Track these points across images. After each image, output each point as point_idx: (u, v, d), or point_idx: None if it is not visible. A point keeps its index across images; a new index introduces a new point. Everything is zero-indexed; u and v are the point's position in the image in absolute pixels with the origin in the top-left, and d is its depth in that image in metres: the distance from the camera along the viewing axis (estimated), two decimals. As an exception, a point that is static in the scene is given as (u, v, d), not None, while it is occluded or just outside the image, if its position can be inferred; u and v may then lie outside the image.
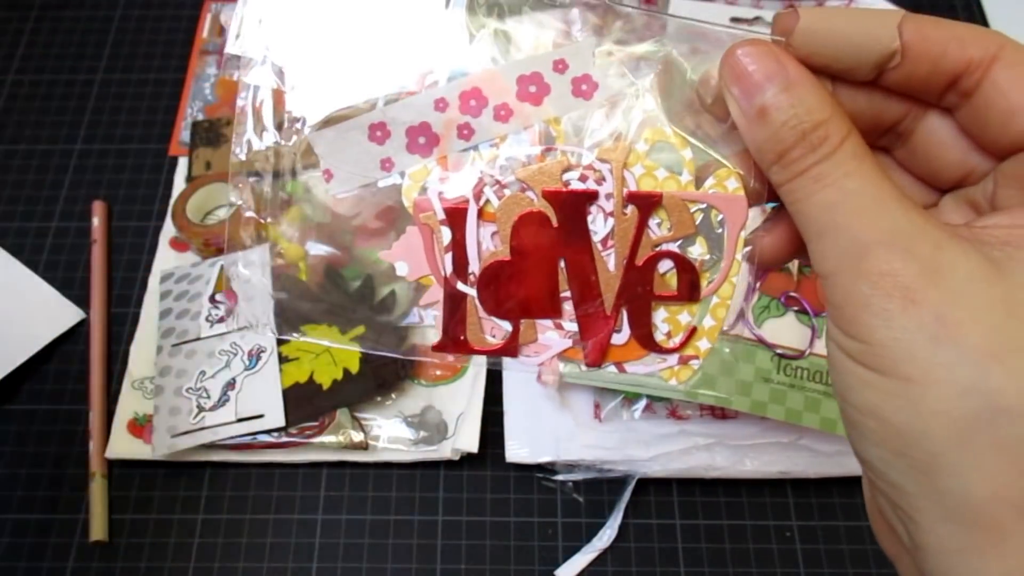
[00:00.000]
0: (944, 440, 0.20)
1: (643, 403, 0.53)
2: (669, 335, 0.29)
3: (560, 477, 0.52)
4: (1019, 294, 0.21)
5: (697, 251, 0.28)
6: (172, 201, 0.60)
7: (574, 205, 0.28)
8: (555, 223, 0.28)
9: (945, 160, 0.26)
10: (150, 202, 0.63)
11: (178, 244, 0.60)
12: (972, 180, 0.26)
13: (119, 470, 0.53)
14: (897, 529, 0.23)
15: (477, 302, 0.29)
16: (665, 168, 0.28)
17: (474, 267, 0.28)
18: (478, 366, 0.54)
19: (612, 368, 0.29)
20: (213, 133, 0.64)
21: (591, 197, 0.28)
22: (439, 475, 0.53)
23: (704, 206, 0.28)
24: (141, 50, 0.70)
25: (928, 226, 0.22)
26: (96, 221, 0.61)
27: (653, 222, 0.28)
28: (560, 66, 0.27)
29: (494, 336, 0.29)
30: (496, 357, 0.29)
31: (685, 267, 0.28)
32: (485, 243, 0.28)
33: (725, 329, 0.53)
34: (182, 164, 0.64)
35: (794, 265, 0.54)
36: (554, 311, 0.29)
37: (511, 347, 0.29)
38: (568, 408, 0.53)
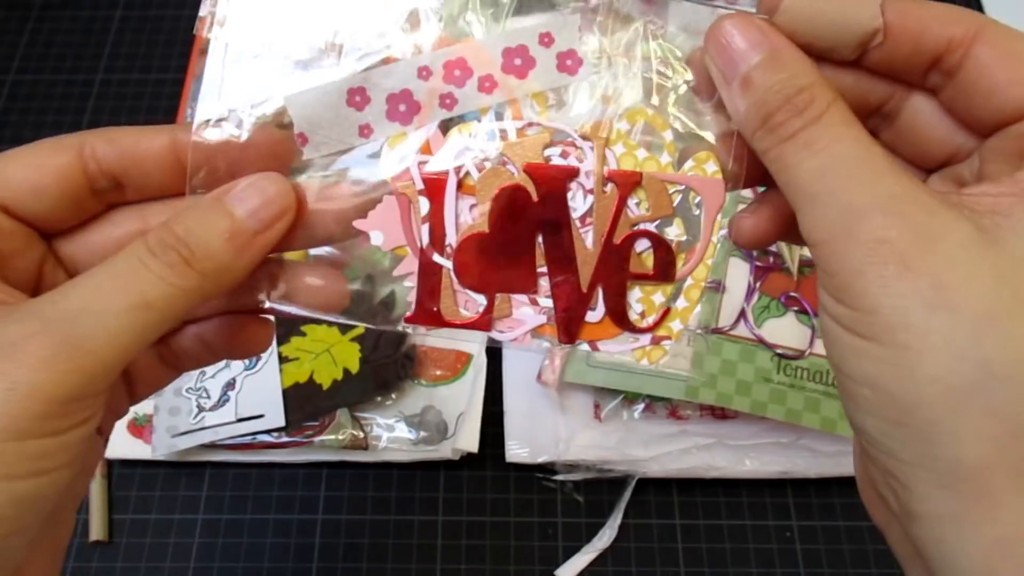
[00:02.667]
0: (939, 407, 0.20)
1: (643, 403, 0.53)
2: (643, 315, 0.29)
3: (560, 477, 0.52)
4: (1008, 260, 0.21)
5: (674, 232, 0.28)
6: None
7: (555, 180, 0.28)
8: (535, 198, 0.28)
9: (931, 140, 0.26)
10: (150, 202, 0.63)
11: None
12: (959, 159, 0.26)
13: (119, 470, 0.53)
14: (888, 499, 0.23)
15: (453, 274, 0.28)
16: (646, 148, 0.28)
17: (451, 239, 0.28)
18: (478, 368, 0.54)
19: (585, 346, 0.29)
20: (213, 133, 0.64)
21: (572, 173, 0.28)
22: (439, 475, 0.53)
23: (683, 187, 0.28)
24: (141, 50, 0.70)
25: (920, 192, 0.22)
26: (96, 221, 0.61)
27: (632, 201, 0.28)
28: (546, 39, 0.27)
29: (467, 310, 0.29)
30: (468, 331, 0.29)
31: (661, 247, 0.28)
32: (463, 215, 0.28)
33: (726, 329, 0.53)
34: (182, 164, 0.64)
35: (794, 265, 0.54)
36: (530, 286, 0.28)
37: (485, 321, 0.28)
38: (568, 408, 0.53)
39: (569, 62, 0.28)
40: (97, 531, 0.50)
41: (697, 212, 0.28)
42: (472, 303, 0.29)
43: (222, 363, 0.52)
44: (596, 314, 0.29)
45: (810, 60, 0.24)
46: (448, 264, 0.28)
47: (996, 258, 0.21)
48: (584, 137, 0.28)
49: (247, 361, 0.52)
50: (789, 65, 0.24)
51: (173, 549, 0.50)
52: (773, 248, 0.55)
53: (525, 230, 0.28)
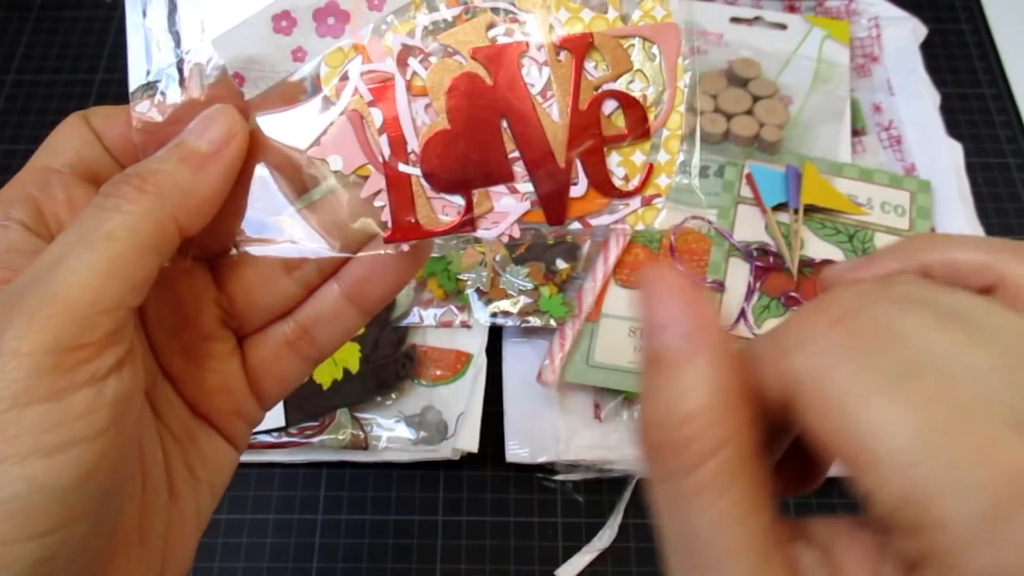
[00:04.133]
0: None
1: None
2: (626, 178, 0.28)
3: (560, 477, 0.52)
4: None
5: (638, 86, 0.27)
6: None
7: (506, 59, 0.27)
8: (490, 81, 0.27)
9: None
10: (150, 202, 0.63)
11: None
12: None
13: (119, 470, 0.53)
14: None
15: (423, 181, 0.27)
16: (590, 9, 0.27)
17: (413, 144, 0.27)
18: (478, 368, 0.54)
19: (576, 224, 0.28)
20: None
21: (522, 49, 0.27)
22: (439, 475, 0.53)
23: (636, 40, 0.27)
24: (141, 50, 0.70)
25: None
26: (96, 221, 0.61)
27: (589, 65, 0.27)
28: None
29: (447, 214, 0.27)
30: (453, 235, 0.27)
31: (630, 104, 0.27)
32: (420, 118, 0.27)
33: (726, 329, 0.53)
34: (182, 164, 0.64)
35: (794, 265, 0.54)
36: (506, 174, 0.27)
37: (468, 221, 0.27)
38: (568, 408, 0.53)
39: None
40: (97, 531, 0.50)
41: (656, 60, 0.27)
42: (450, 207, 0.27)
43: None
44: (579, 188, 0.27)
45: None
46: (416, 171, 0.27)
47: None
48: (525, 10, 0.27)
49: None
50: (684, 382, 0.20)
51: (173, 549, 0.50)
52: (773, 248, 0.55)
53: (487, 118, 0.27)
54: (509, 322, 0.54)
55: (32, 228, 0.24)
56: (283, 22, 0.26)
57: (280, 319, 0.29)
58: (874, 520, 0.18)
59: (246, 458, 0.52)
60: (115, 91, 0.68)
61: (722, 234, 0.55)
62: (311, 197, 0.27)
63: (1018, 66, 0.69)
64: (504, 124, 0.27)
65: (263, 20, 0.26)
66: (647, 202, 0.28)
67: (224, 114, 0.25)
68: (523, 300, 0.54)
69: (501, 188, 0.27)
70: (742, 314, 0.52)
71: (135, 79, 0.27)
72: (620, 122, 0.28)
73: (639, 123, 0.28)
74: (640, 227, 0.28)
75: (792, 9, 0.69)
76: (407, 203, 0.27)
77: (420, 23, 0.27)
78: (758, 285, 0.53)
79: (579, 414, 0.53)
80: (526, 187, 0.27)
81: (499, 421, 0.53)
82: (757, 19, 0.67)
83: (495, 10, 0.27)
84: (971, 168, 0.62)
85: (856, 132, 0.63)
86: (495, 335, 0.56)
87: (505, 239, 0.27)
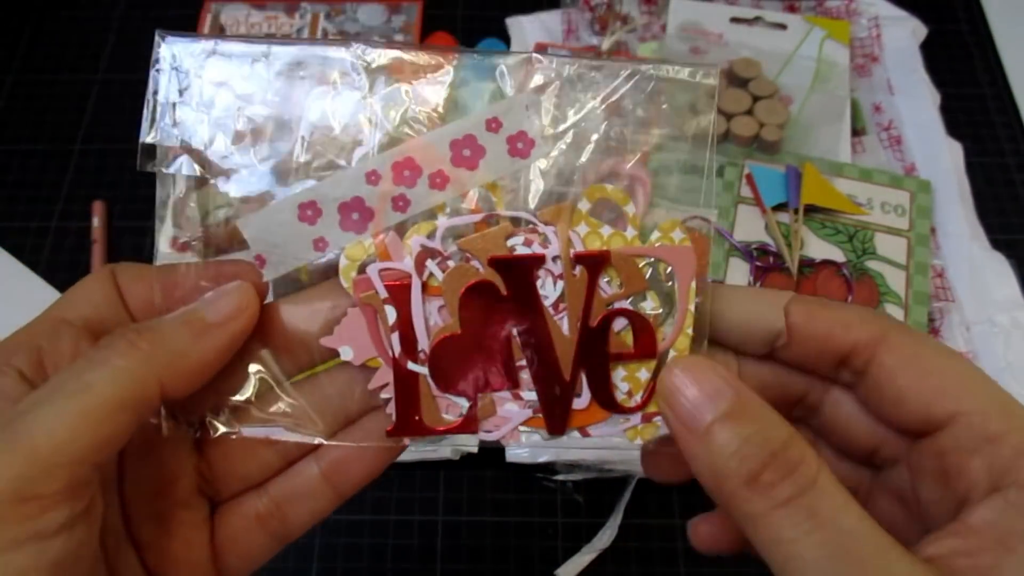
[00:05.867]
0: None
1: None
2: (630, 393, 0.28)
3: (560, 477, 0.52)
4: None
5: (649, 306, 0.28)
6: (172, 201, 0.60)
7: (522, 271, 0.27)
8: (504, 291, 0.27)
9: (854, 432, 0.27)
10: (150, 202, 0.63)
11: (178, 244, 0.60)
12: (885, 452, 0.26)
13: (119, 470, 0.53)
14: None
15: (430, 380, 0.28)
16: (610, 225, 0.28)
17: (423, 344, 0.27)
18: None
19: (576, 434, 0.29)
20: (213, 133, 0.64)
21: (539, 261, 0.27)
22: (439, 475, 0.53)
23: (652, 260, 0.28)
24: (141, 50, 0.70)
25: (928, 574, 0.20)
26: (96, 221, 0.61)
27: (603, 280, 0.28)
28: (494, 125, 0.27)
29: (450, 414, 0.28)
30: (455, 435, 0.28)
31: (640, 323, 0.28)
32: (432, 318, 0.27)
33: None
34: (182, 164, 0.64)
35: (794, 265, 0.54)
36: (511, 381, 0.28)
37: (470, 424, 0.28)
38: (568, 408, 0.53)
39: (520, 144, 0.27)
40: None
41: (670, 283, 0.28)
42: (454, 407, 0.28)
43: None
44: (582, 400, 0.28)
45: (775, 411, 0.23)
46: (424, 371, 0.27)
47: None
48: (546, 222, 0.27)
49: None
50: (762, 414, 0.22)
51: (173, 549, 0.50)
52: (772, 248, 0.55)
53: (498, 325, 0.27)
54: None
55: (28, 377, 0.24)
56: (309, 211, 0.27)
57: (254, 490, 0.29)
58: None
59: (246, 458, 0.52)
60: (116, 91, 0.68)
61: (722, 234, 0.55)
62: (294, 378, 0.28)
63: (1018, 66, 0.69)
64: (514, 332, 0.27)
65: (290, 207, 0.27)
66: (647, 419, 0.28)
67: (239, 291, 0.26)
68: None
69: (505, 393, 0.28)
70: (742, 314, 0.52)
71: (164, 240, 0.28)
72: (629, 339, 0.28)
73: (647, 343, 0.28)
74: (638, 442, 0.29)
75: (792, 9, 0.69)
76: (413, 400, 0.28)
77: (441, 225, 0.27)
78: (758, 285, 0.53)
79: (579, 414, 0.53)
80: (530, 395, 0.28)
81: (499, 421, 0.53)
82: (757, 19, 0.67)
83: (516, 220, 0.27)
84: (971, 168, 0.62)
85: (856, 132, 0.63)
86: (495, 335, 0.56)
87: (505, 443, 0.28)
